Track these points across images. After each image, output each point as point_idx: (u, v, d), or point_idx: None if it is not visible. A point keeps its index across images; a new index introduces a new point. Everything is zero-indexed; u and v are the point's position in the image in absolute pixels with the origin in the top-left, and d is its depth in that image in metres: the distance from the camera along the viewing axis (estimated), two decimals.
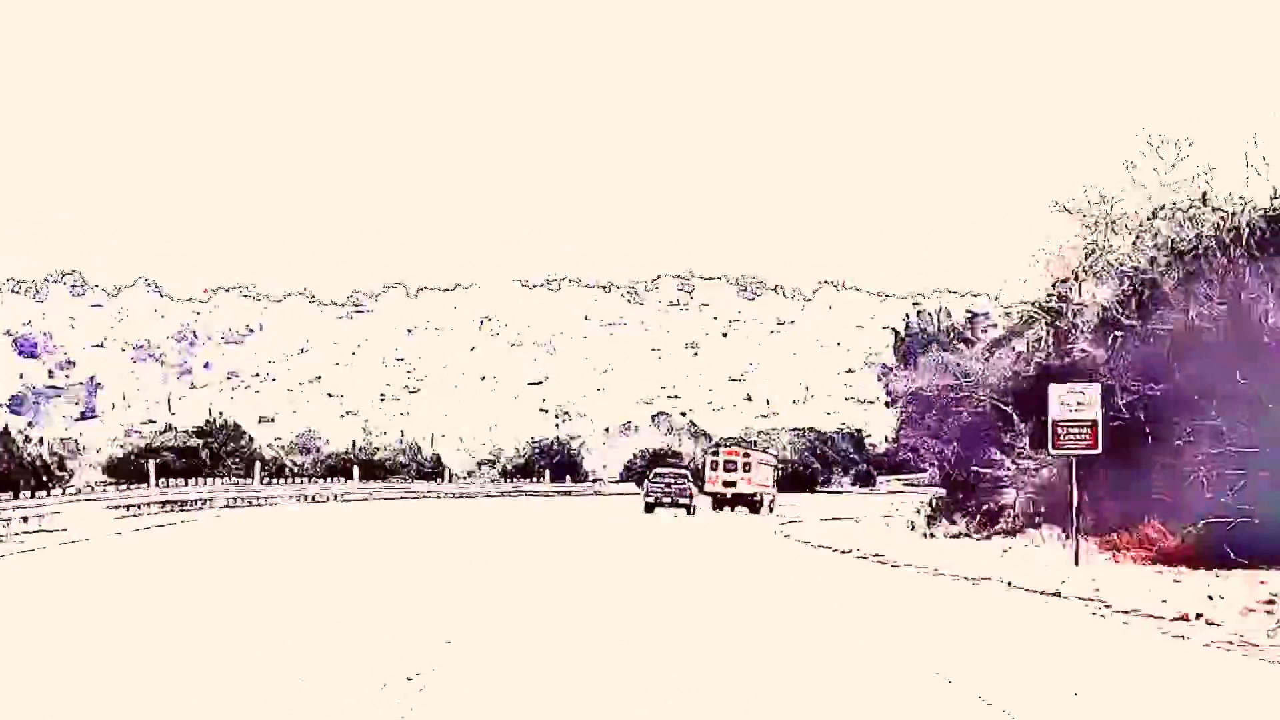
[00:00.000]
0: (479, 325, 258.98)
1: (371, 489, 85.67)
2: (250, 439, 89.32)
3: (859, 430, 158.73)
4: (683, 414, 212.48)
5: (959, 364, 51.78)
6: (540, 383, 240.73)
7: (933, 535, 50.81)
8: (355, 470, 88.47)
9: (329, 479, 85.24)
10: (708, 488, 78.70)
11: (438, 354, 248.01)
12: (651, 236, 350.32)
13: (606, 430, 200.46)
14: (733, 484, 77.55)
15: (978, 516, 50.09)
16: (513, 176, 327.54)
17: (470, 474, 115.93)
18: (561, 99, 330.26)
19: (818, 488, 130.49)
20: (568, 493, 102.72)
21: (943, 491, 59.60)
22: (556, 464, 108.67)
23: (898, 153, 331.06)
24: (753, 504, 77.57)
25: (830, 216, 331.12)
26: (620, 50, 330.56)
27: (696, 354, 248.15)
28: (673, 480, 72.18)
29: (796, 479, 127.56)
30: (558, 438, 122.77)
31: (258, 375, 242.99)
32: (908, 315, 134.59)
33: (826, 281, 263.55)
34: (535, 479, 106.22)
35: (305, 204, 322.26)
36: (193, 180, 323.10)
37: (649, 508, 69.76)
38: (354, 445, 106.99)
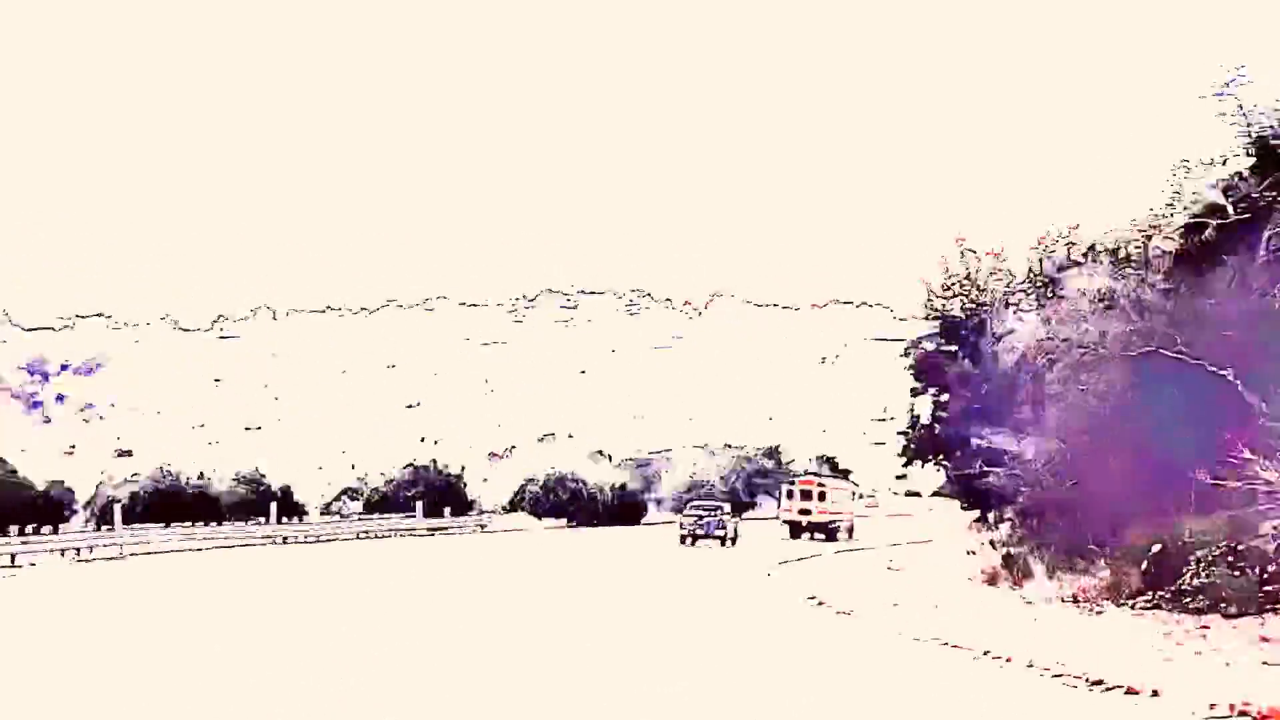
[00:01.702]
0: (351, 347, 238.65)
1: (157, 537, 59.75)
2: None
3: (776, 448, 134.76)
4: (570, 435, 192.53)
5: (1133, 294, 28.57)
6: (416, 406, 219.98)
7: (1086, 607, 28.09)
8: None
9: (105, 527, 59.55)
10: (783, 516, 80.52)
11: (307, 380, 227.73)
12: (531, 252, 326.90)
13: (491, 455, 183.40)
14: (808, 511, 78.21)
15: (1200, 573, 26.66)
16: (384, 194, 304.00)
17: (330, 509, 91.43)
18: (429, 112, 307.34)
19: (745, 514, 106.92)
20: (446, 530, 77.86)
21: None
22: (434, 494, 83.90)
23: (785, 164, 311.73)
24: (830, 530, 77.71)
25: (717, 227, 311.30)
26: (489, 60, 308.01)
27: (583, 372, 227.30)
28: (708, 512, 70.46)
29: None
30: (434, 462, 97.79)
31: (114, 406, 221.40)
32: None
33: (717, 294, 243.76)
34: (407, 512, 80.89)
35: (167, 227, 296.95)
36: (48, 205, 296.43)
37: (683, 539, 68.06)
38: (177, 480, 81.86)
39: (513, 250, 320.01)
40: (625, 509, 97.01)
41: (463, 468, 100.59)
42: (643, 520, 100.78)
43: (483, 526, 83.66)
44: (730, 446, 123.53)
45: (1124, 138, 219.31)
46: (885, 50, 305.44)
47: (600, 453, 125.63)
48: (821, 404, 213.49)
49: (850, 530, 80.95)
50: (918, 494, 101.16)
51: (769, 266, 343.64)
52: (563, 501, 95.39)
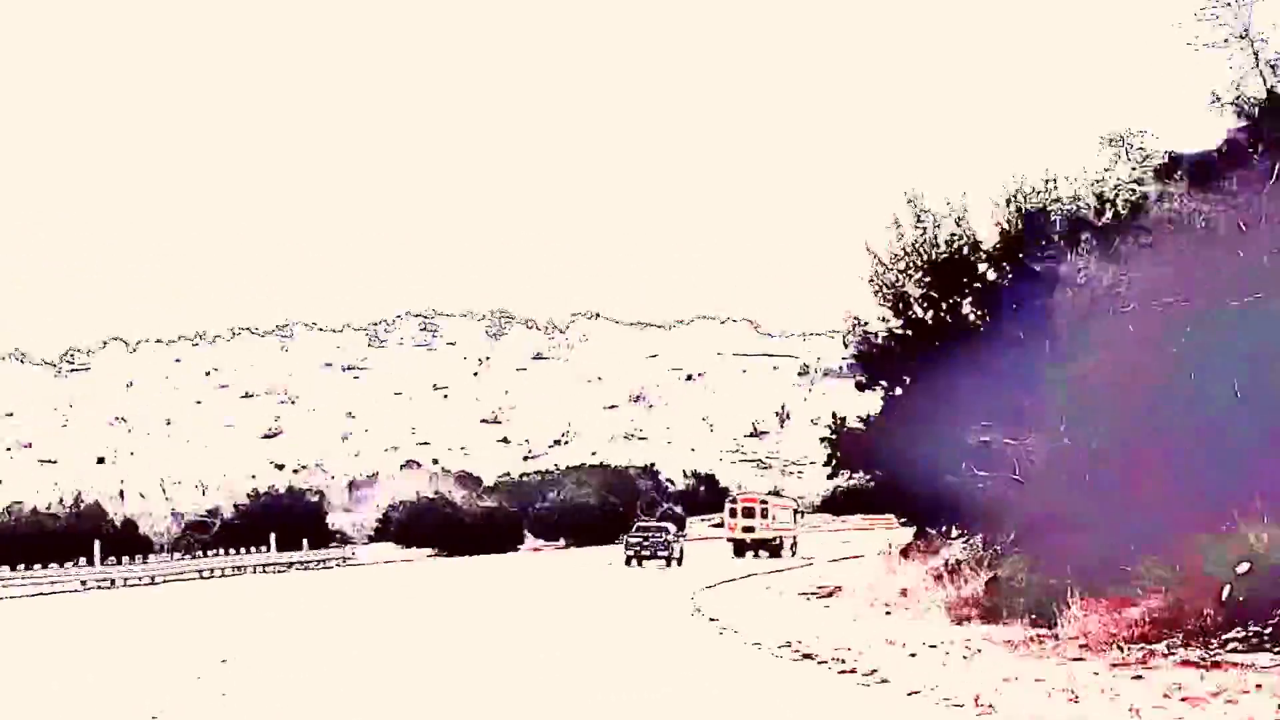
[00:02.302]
0: (205, 377, 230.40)
1: None
2: None
3: (652, 466, 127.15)
4: (434, 460, 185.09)
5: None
6: (275, 435, 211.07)
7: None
8: None
9: None
10: (728, 534, 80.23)
11: (160, 410, 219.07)
12: (389, 274, 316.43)
13: (352, 484, 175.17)
14: (751, 529, 77.79)
15: None
16: (235, 219, 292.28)
17: (180, 542, 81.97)
18: (277, 135, 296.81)
19: (619, 538, 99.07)
20: (305, 564, 68.15)
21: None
22: (291, 525, 74.82)
23: (643, 180, 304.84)
24: (773, 547, 77.28)
25: (577, 246, 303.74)
26: (336, 76, 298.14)
27: (446, 395, 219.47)
28: (652, 532, 69.37)
29: (592, 530, 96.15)
30: (291, 489, 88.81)
31: None
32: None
33: (580, 312, 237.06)
34: (259, 546, 71.51)
35: (12, 259, 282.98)
36: None
37: (629, 560, 66.40)
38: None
39: (369, 273, 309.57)
40: (501, 534, 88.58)
41: (321, 495, 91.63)
42: (520, 546, 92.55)
43: (345, 559, 74.71)
44: (606, 466, 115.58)
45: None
46: (747, 57, 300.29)
47: (469, 475, 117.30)
48: (690, 421, 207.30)
49: (794, 546, 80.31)
50: (828, 512, 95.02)
51: (631, 284, 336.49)
52: (432, 529, 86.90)
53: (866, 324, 36.77)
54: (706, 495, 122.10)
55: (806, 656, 22.05)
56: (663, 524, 75.36)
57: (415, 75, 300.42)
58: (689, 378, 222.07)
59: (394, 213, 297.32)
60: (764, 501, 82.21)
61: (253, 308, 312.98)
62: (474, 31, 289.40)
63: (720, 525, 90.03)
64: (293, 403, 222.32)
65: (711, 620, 31.27)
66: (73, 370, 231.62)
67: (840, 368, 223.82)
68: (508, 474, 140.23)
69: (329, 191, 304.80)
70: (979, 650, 22.46)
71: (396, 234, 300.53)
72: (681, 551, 68.65)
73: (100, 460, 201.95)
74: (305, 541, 72.16)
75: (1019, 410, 27.59)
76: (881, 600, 34.95)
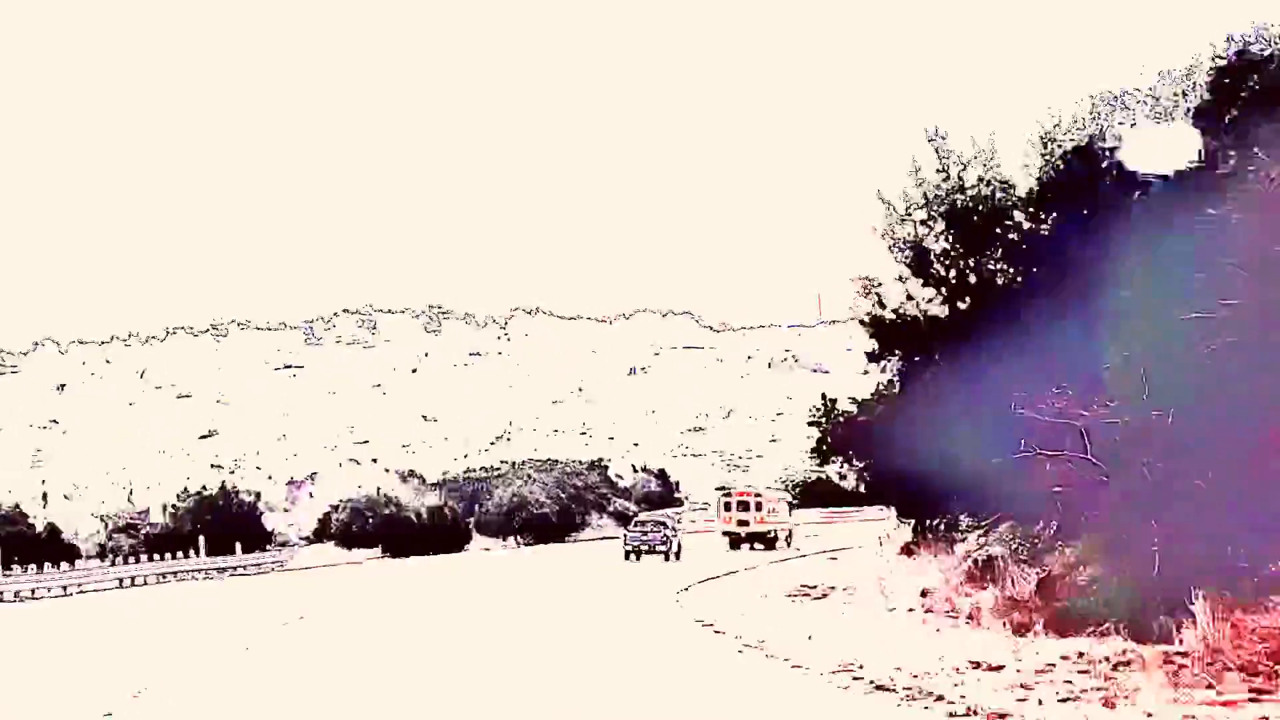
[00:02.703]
0: (139, 377, 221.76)
1: None
2: None
3: (600, 461, 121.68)
4: (374, 460, 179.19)
5: None
6: (210, 436, 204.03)
7: None
8: None
9: None
10: (722, 528, 79.26)
11: (93, 412, 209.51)
12: (324, 271, 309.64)
13: (290, 482, 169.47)
14: (746, 523, 77.39)
15: None
16: (168, 217, 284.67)
17: (106, 548, 76.01)
18: (211, 132, 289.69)
19: (570, 536, 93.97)
20: (239, 569, 62.00)
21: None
22: (225, 527, 68.94)
23: (580, 172, 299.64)
24: (768, 540, 76.70)
25: (514, 241, 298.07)
26: (272, 75, 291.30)
27: (384, 393, 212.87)
28: (651, 528, 69.03)
29: (544, 528, 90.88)
30: (224, 490, 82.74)
31: None
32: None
33: (519, 308, 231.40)
34: (190, 550, 65.70)
35: None
36: None
37: (628, 555, 66.09)
38: None
39: (305, 270, 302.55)
40: (448, 534, 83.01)
41: (257, 495, 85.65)
42: (467, 546, 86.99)
43: (282, 563, 68.80)
44: (554, 462, 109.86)
45: None
46: (682, 46, 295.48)
47: (413, 473, 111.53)
48: (634, 416, 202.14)
49: (789, 539, 79.70)
50: (796, 503, 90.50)
51: (569, 278, 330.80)
52: (375, 529, 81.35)
53: (879, 284, 31.45)
54: (660, 490, 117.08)
55: (880, 688, 16.75)
56: (661, 519, 74.52)
57: (345, 65, 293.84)
58: (631, 372, 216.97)
59: (329, 208, 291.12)
60: (758, 495, 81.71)
61: (187, 307, 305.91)
62: (406, 22, 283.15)
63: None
64: (228, 403, 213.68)
65: (723, 634, 25.93)
66: (1, 373, 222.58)
67: (790, 358, 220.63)
68: (450, 472, 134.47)
69: (262, 187, 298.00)
70: (1105, 675, 17.22)
71: (332, 230, 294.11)
72: (680, 546, 67.84)
73: (34, 464, 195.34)
74: (239, 545, 66.16)
75: (1083, 376, 22.59)
76: (905, 603, 29.83)
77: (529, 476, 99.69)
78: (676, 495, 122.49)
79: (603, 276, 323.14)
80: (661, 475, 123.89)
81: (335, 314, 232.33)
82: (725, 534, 78.40)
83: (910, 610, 28.99)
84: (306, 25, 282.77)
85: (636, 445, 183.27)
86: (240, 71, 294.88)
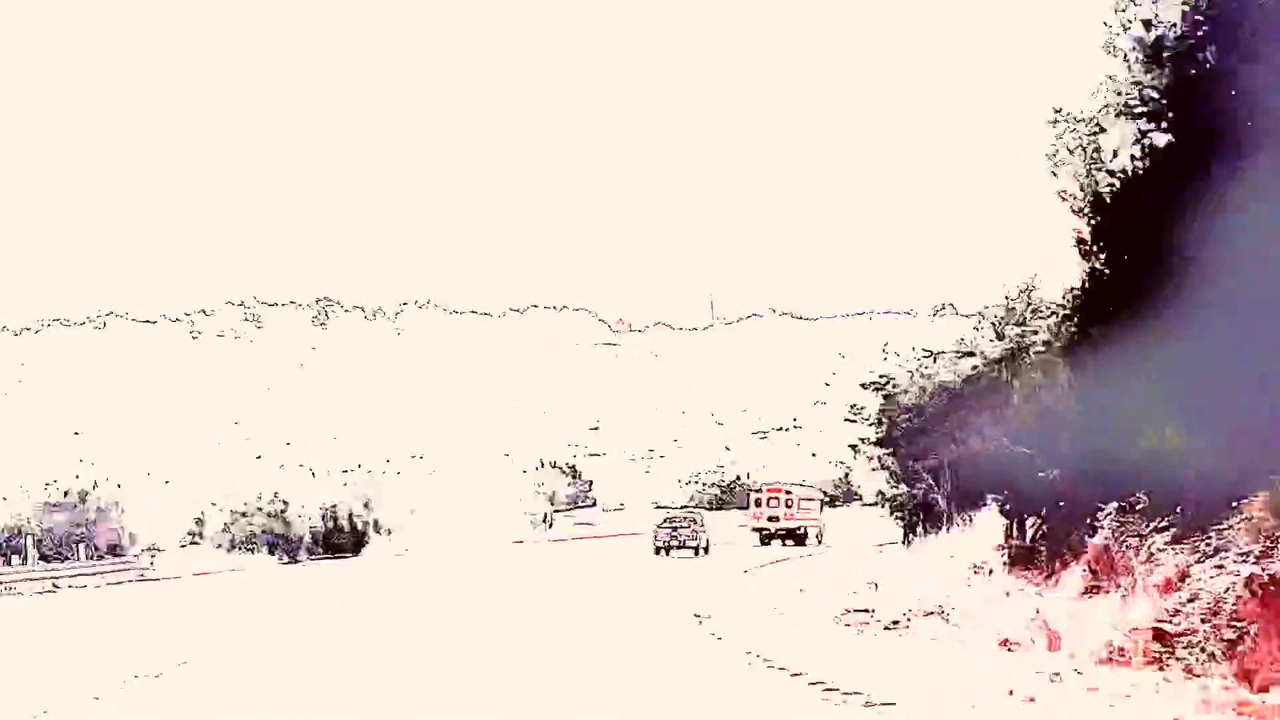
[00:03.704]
0: (10, 372, 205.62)
1: None
2: None
3: (507, 455, 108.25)
4: (258, 456, 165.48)
5: None
6: (83, 434, 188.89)
7: None
8: None
9: None
10: (752, 524, 78.40)
11: None
12: (206, 263, 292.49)
13: (168, 482, 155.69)
14: (776, 518, 76.84)
15: None
16: (44, 203, 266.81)
17: None
18: (95, 113, 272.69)
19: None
20: (88, 578, 47.39)
21: None
22: (74, 531, 54.71)
23: (475, 159, 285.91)
24: (798, 537, 76.38)
25: (405, 232, 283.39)
26: (154, 59, 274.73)
27: (270, 388, 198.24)
28: (681, 524, 66.92)
29: (452, 529, 77.51)
30: (80, 491, 68.31)
31: None
32: None
33: (411, 301, 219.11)
34: (49, 558, 51.51)
35: None
36: None
37: (658, 550, 64.46)
38: None
39: (186, 261, 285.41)
40: (343, 536, 69.30)
41: (120, 485, 71.32)
42: (364, 549, 72.92)
43: (142, 572, 54.47)
44: (458, 458, 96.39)
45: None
46: (568, 35, 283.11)
47: (301, 470, 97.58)
48: (532, 412, 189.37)
49: (820, 535, 79.19)
50: (827, 500, 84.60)
51: (464, 271, 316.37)
52: (258, 531, 67.74)
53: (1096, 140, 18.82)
54: (572, 488, 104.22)
55: None
56: (690, 515, 72.25)
57: (227, 48, 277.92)
58: (526, 368, 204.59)
59: (213, 196, 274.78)
60: (789, 491, 79.96)
61: (61, 298, 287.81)
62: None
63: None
64: (105, 399, 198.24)
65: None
66: None
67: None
68: (344, 469, 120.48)
69: (143, 176, 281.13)
70: None
71: (216, 219, 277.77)
72: (708, 542, 66.12)
73: None
74: (80, 549, 51.73)
75: None
76: (1070, 653, 17.53)
77: (431, 473, 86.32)
78: (589, 494, 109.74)
79: (496, 271, 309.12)
80: (573, 472, 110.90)
81: (218, 306, 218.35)
82: (755, 529, 77.81)
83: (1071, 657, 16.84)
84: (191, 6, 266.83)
85: (533, 443, 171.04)
86: (119, 51, 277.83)
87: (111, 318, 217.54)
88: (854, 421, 42.37)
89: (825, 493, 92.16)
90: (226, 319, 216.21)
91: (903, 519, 42.17)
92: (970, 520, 37.70)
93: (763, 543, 75.58)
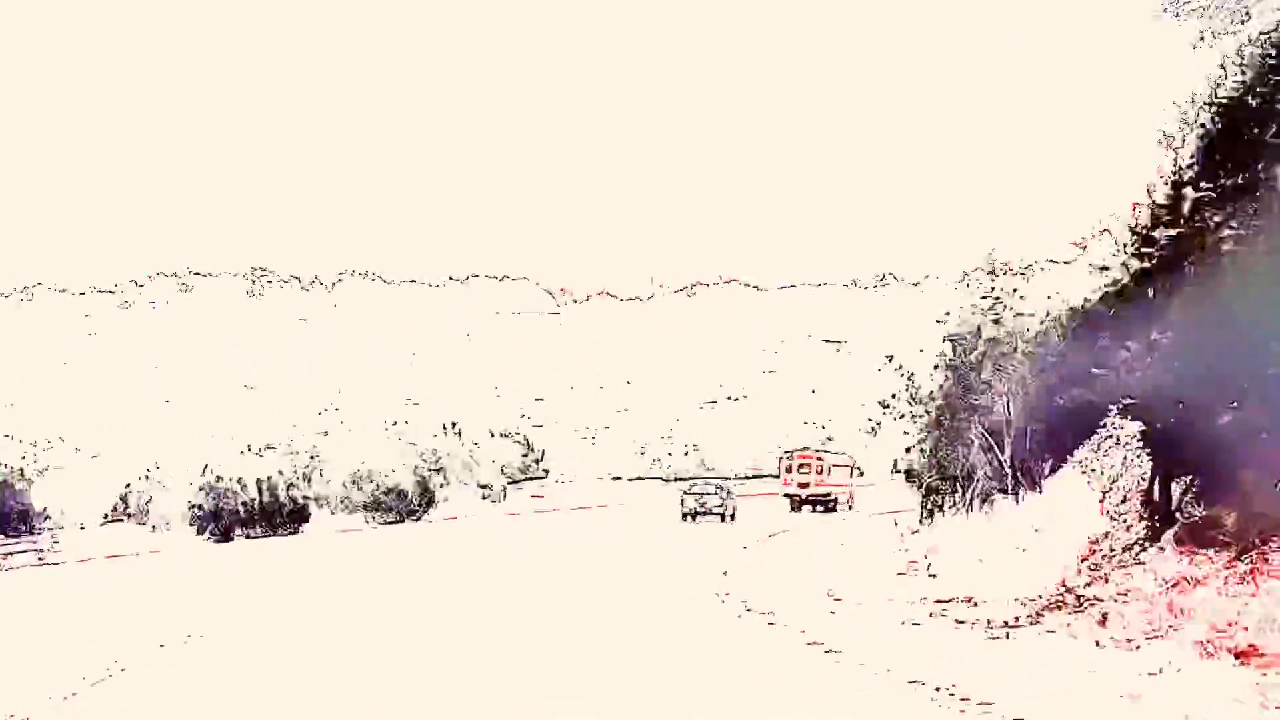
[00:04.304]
0: None
1: None
2: None
3: (455, 424, 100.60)
4: (189, 430, 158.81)
5: None
6: (10, 407, 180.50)
7: None
8: None
9: None
10: (782, 490, 76.87)
11: None
12: (137, 232, 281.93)
13: (95, 457, 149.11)
14: (806, 484, 74.77)
15: None
16: None
17: None
18: (24, 84, 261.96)
19: (428, 513, 72.80)
20: None
21: None
22: None
23: (407, 129, 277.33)
24: (828, 503, 74.26)
25: (340, 201, 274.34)
26: (77, 26, 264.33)
27: (201, 361, 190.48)
28: (709, 491, 65.31)
29: (399, 505, 70.07)
30: None
31: None
32: None
33: (347, 271, 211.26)
34: None
35: None
36: None
37: (685, 517, 63.18)
38: None
39: (117, 230, 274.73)
40: (281, 512, 61.39)
41: (22, 465, 63.12)
42: (303, 526, 64.81)
43: (41, 554, 46.04)
44: (406, 424, 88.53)
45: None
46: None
47: (234, 441, 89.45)
48: (473, 382, 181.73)
49: (850, 502, 77.47)
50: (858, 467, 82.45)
51: (401, 241, 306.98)
52: (188, 506, 59.96)
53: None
54: (524, 459, 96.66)
55: None
56: (718, 483, 70.50)
57: (151, 15, 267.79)
58: (467, 336, 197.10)
59: (144, 164, 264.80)
60: (819, 457, 78.11)
61: None
62: None
63: None
64: (32, 372, 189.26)
65: None
66: None
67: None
68: (279, 440, 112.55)
69: (74, 145, 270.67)
70: None
71: (148, 188, 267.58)
72: (734, 509, 64.21)
73: None
74: None
75: None
76: None
77: (371, 444, 78.67)
78: (541, 465, 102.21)
79: (435, 240, 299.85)
80: (525, 443, 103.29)
81: (150, 276, 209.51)
82: (786, 495, 76.31)
83: None
84: None
85: (476, 415, 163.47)
86: (40, 19, 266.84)
87: (40, 289, 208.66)
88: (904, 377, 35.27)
89: (854, 460, 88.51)
90: (158, 289, 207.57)
91: (943, 489, 35.16)
92: (1035, 490, 30.59)
93: (793, 509, 74.17)
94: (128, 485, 79.64)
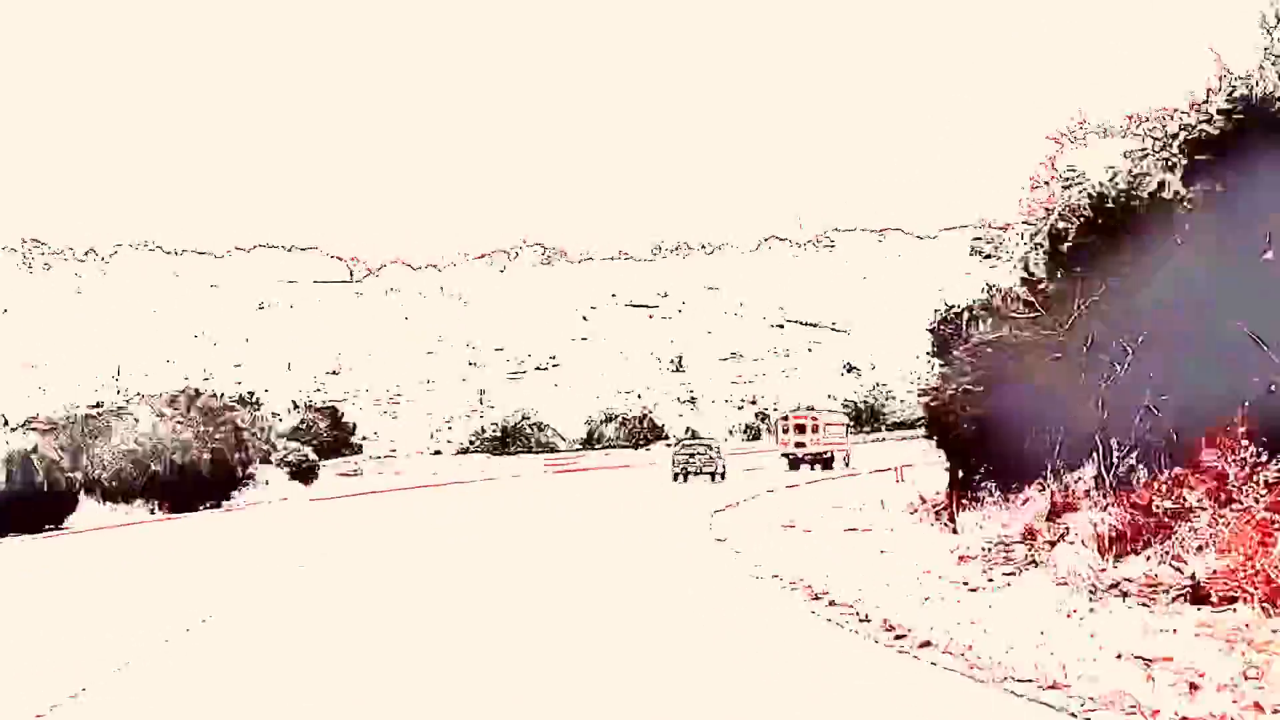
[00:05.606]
0: None
1: None
2: None
3: (252, 395, 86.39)
4: None
5: None
6: None
7: None
8: None
9: None
10: (781, 450, 77.85)
11: None
12: None
13: None
14: (803, 444, 75.94)
15: None
16: None
17: None
18: None
19: (230, 497, 59.04)
20: None
21: None
22: None
23: (182, 96, 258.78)
24: (825, 460, 75.08)
25: (116, 173, 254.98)
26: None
27: None
28: (700, 450, 66.86)
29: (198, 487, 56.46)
30: None
31: None
32: None
33: (124, 243, 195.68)
34: None
35: None
36: None
37: (676, 477, 64.09)
38: None
39: None
40: (38, 497, 47.24)
41: None
42: (69, 519, 50.44)
43: None
44: (197, 393, 74.05)
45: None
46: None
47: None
48: (265, 357, 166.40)
49: (847, 459, 77.98)
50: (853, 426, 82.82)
51: (177, 211, 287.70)
52: None
53: None
54: (333, 432, 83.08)
55: None
56: (706, 442, 72.24)
57: None
58: (259, 307, 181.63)
59: None
60: (815, 416, 78.83)
61: None
62: None
63: None
64: None
65: None
66: None
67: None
68: (45, 413, 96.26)
69: None
70: None
71: None
72: (724, 468, 65.07)
73: None
74: None
75: None
76: None
77: (162, 414, 64.21)
78: (353, 438, 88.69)
79: (212, 209, 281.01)
80: (333, 415, 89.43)
81: None
82: (784, 455, 76.59)
83: None
84: None
85: (267, 390, 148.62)
86: None
87: None
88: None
89: (850, 417, 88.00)
90: None
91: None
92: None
93: (791, 467, 74.17)
94: None
